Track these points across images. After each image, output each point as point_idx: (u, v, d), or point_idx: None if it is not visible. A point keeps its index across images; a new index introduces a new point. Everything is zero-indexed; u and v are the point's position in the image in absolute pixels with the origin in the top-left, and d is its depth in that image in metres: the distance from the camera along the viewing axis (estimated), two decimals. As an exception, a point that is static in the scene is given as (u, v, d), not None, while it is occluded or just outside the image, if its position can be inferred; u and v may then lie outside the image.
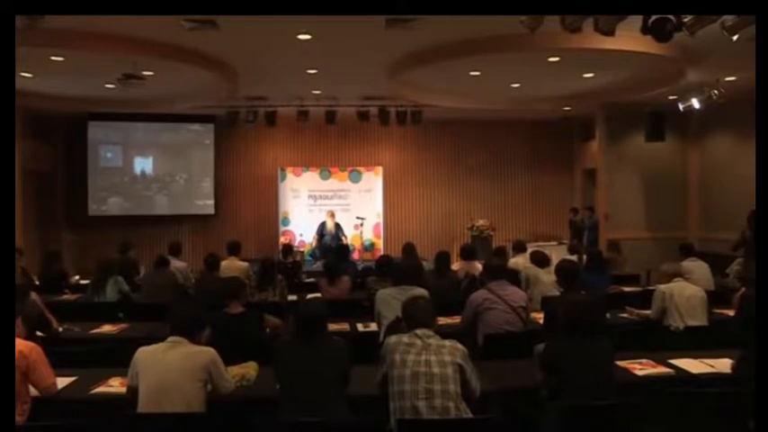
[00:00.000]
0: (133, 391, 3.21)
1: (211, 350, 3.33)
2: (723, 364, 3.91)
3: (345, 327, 5.20)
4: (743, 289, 5.42)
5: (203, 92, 9.97)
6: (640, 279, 8.16)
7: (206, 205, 13.07)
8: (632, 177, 11.81)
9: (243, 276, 6.34)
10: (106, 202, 12.60)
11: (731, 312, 5.50)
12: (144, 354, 3.25)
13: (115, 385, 3.62)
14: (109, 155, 12.63)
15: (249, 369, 3.82)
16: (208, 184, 13.04)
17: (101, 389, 3.59)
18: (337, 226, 12.03)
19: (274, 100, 10.94)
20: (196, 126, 12.84)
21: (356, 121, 11.47)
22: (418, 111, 11.33)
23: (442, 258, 6.54)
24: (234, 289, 4.55)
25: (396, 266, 5.30)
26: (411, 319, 3.40)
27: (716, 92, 9.08)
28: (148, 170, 12.84)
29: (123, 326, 5.42)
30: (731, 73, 8.86)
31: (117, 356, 3.89)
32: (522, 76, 9.23)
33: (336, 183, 13.41)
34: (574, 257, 7.53)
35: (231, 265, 7.21)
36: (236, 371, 3.72)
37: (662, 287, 5.42)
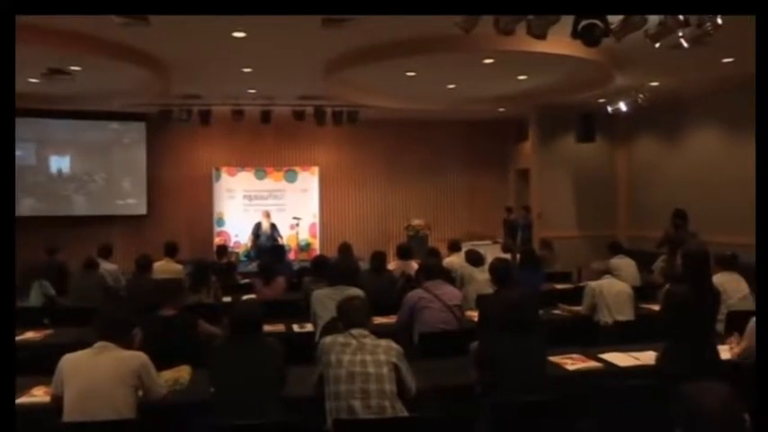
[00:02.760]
0: (58, 399, 3.09)
1: (142, 354, 3.24)
2: (648, 357, 4.08)
3: (281, 328, 5.17)
4: (667, 285, 5.64)
5: (134, 89, 9.70)
6: (572, 276, 8.41)
7: (136, 205, 12.72)
8: (564, 177, 12.15)
9: (179, 278, 6.22)
10: (18, 203, 11.94)
11: (656, 307, 5.72)
12: (69, 360, 3.13)
13: (39, 395, 3.48)
14: (18, 152, 11.91)
15: (182, 373, 3.74)
16: (139, 184, 12.70)
17: (23, 399, 3.45)
18: (273, 226, 11.93)
19: (209, 98, 10.74)
20: (127, 124, 12.48)
21: (292, 121, 11.39)
22: (354, 111, 11.34)
23: (378, 258, 6.56)
24: (167, 291, 4.45)
25: (331, 266, 5.31)
26: (346, 318, 3.41)
27: (641, 96, 9.46)
28: (66, 169, 12.32)
29: (48, 332, 5.22)
30: (655, 78, 9.23)
31: (41, 364, 3.73)
32: (458, 77, 9.36)
33: (272, 183, 13.27)
34: (507, 256, 7.68)
35: (165, 267, 7.05)
36: (168, 375, 3.64)
37: (592, 284, 5.62)
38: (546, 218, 11.92)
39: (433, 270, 5.12)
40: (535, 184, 12.23)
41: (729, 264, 5.92)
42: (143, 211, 12.76)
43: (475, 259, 6.86)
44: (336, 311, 3.56)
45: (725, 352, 4.03)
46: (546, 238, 10.06)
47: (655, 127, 11.52)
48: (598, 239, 10.65)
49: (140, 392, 3.19)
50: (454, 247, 8.28)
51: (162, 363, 3.55)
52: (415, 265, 6.88)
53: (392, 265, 7.36)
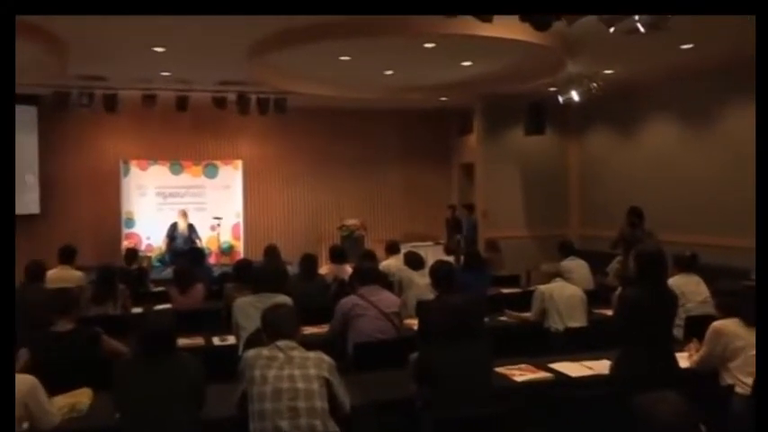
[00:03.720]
0: None
1: (29, 378, 3.10)
2: (602, 366, 4.17)
3: (199, 341, 5.11)
4: (619, 288, 5.79)
5: (22, 66, 9.27)
6: (520, 280, 8.57)
7: (25, 203, 12.14)
8: (511, 173, 12.35)
9: (76, 288, 6.02)
10: None
11: (610, 312, 5.86)
12: None
13: None
14: None
15: (81, 397, 3.60)
16: (28, 178, 12.17)
17: None
18: (190, 227, 11.74)
19: (115, 81, 10.42)
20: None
21: (212, 109, 11.19)
22: (282, 98, 11.23)
23: (308, 261, 6.62)
24: (62, 303, 4.29)
25: (256, 271, 5.28)
26: (272, 329, 3.38)
27: (595, 84, 9.69)
28: None
29: None
30: (609, 66, 9.48)
31: None
32: (396, 63, 9.38)
33: (189, 178, 13.02)
34: (450, 258, 7.77)
35: (62, 275, 6.81)
36: (63, 401, 3.49)
37: (541, 288, 5.74)
38: (492, 216, 12.10)
39: (369, 274, 5.16)
40: (480, 180, 12.40)
41: (688, 265, 6.12)
42: (35, 209, 12.24)
43: (415, 262, 6.95)
44: (261, 321, 3.52)
45: (683, 360, 4.15)
46: (492, 239, 10.23)
47: (609, 118, 11.83)
48: (548, 239, 10.88)
49: (25, 425, 3.03)
50: (392, 248, 8.34)
51: (56, 386, 3.43)
52: (348, 268, 6.90)
53: (324, 269, 7.40)
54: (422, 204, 14.38)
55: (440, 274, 5.33)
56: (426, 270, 6.14)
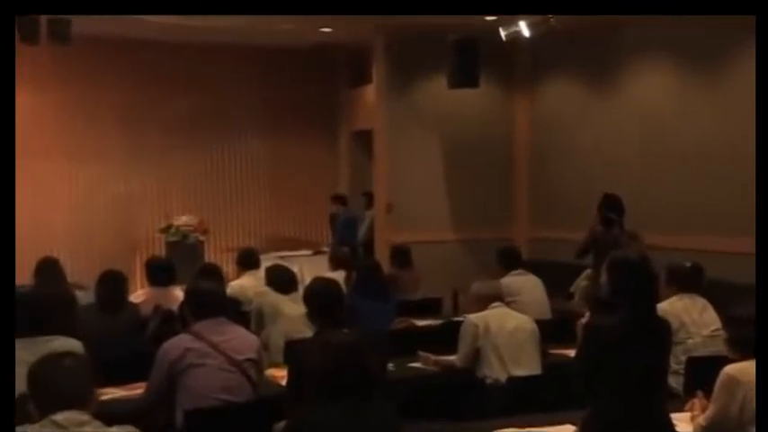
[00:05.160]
0: None
1: None
2: (563, 434, 4.28)
3: None
4: (587, 315, 5.91)
5: None
6: (442, 306, 8.67)
7: None
8: (429, 145, 12.44)
9: None
10: None
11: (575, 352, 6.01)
12: None
13: None
14: None
15: None
16: None
17: None
18: None
19: None
20: None
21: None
22: (62, 20, 10.82)
23: (112, 283, 6.53)
24: None
25: (24, 300, 5.10)
26: (46, 394, 3.28)
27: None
28: None
29: None
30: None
31: None
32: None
33: None
34: (338, 275, 7.79)
35: None
36: None
37: (473, 317, 5.82)
38: (399, 211, 12.15)
39: (211, 302, 5.11)
40: (382, 156, 12.43)
41: (690, 282, 6.26)
42: None
43: (283, 282, 6.98)
44: (28, 383, 3.41)
45: (684, 423, 4.21)
46: (400, 245, 10.26)
47: (575, 65, 12.03)
48: (484, 245, 11.00)
49: None
50: (248, 261, 8.39)
51: None
52: (178, 293, 6.81)
53: (139, 294, 7.35)
54: (294, 193, 14.41)
55: (319, 298, 5.33)
56: (300, 293, 6.13)
